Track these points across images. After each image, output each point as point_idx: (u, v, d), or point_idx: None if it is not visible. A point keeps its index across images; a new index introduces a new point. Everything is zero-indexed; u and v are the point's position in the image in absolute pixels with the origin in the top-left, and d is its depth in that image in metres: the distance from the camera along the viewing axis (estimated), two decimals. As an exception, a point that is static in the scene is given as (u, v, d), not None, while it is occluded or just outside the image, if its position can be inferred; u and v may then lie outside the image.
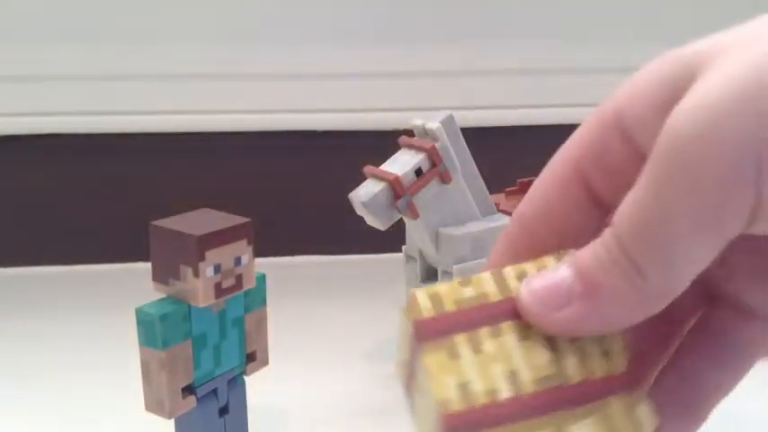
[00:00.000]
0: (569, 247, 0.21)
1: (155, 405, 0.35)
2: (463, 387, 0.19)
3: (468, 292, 0.21)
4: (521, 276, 0.21)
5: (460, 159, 0.46)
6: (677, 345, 0.23)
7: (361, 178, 0.45)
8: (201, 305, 0.34)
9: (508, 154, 0.66)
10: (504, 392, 0.19)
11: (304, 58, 0.68)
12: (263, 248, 0.41)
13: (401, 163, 0.45)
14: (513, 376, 0.20)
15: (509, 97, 0.71)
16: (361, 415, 0.45)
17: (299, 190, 0.72)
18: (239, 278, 0.35)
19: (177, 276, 0.34)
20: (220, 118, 0.69)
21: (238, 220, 0.35)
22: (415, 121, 0.47)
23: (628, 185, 0.19)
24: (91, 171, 0.69)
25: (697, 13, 0.71)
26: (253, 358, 0.39)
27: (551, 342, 0.20)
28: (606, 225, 0.20)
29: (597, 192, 0.21)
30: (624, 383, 0.20)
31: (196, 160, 0.70)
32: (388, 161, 0.45)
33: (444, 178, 0.45)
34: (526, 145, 0.71)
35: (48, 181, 0.69)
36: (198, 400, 0.36)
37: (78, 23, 0.65)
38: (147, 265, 0.35)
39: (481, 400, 0.19)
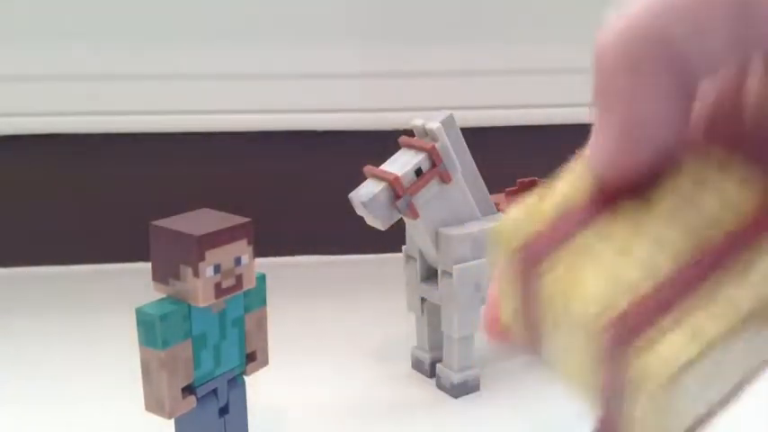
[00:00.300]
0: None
1: (155, 405, 0.35)
2: (614, 282, 0.16)
3: (557, 197, 0.18)
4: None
5: (460, 159, 0.46)
6: None
7: (361, 178, 0.45)
8: (201, 305, 0.34)
9: (508, 154, 0.66)
10: (663, 269, 0.16)
11: (304, 58, 0.68)
12: (263, 248, 0.41)
13: (401, 163, 0.45)
14: (662, 245, 0.16)
15: (509, 97, 0.71)
16: (362, 415, 0.45)
17: (299, 190, 0.72)
18: (239, 278, 0.35)
19: (177, 276, 0.34)
20: (220, 118, 0.69)
21: (238, 220, 0.35)
22: (415, 121, 0.47)
23: None
24: (91, 171, 0.69)
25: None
26: (253, 358, 0.39)
27: (681, 197, 0.17)
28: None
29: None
30: None
31: (196, 160, 0.70)
32: (388, 161, 0.45)
33: (444, 178, 0.45)
34: (526, 145, 0.71)
35: (48, 181, 0.69)
36: (198, 400, 0.36)
37: (78, 23, 0.65)
38: (147, 265, 0.35)
39: (642, 287, 0.16)
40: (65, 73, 0.66)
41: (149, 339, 0.34)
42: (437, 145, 0.45)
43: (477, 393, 0.47)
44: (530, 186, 0.52)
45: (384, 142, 0.50)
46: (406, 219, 0.46)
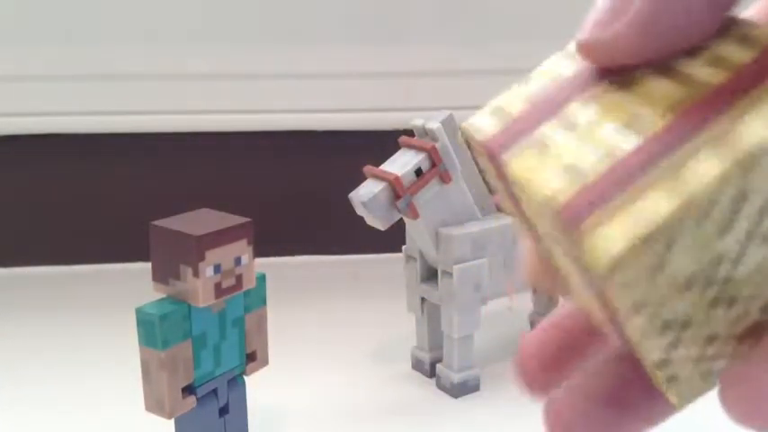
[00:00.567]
0: None
1: (155, 405, 0.35)
2: (570, 167, 0.15)
3: (534, 83, 0.17)
4: None
5: (460, 159, 0.46)
6: None
7: (361, 178, 0.45)
8: (201, 305, 0.34)
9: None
10: (627, 145, 0.14)
11: (304, 57, 0.68)
12: (263, 248, 0.41)
13: (401, 163, 0.45)
14: (631, 122, 0.15)
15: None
16: (362, 415, 0.45)
17: (299, 190, 0.72)
18: (239, 278, 0.35)
19: (177, 276, 0.34)
20: (221, 118, 0.69)
21: (238, 220, 0.35)
22: (415, 121, 0.47)
23: None
24: (91, 171, 0.69)
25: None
26: (253, 358, 0.39)
27: (664, 71, 0.15)
28: None
29: None
30: None
31: (196, 160, 0.70)
32: (388, 161, 0.45)
33: (444, 178, 0.45)
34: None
35: (48, 181, 0.69)
36: (198, 400, 0.36)
37: (78, 23, 0.65)
38: (147, 265, 0.35)
39: (599, 167, 0.14)
40: (65, 73, 0.66)
41: (149, 339, 0.34)
42: (437, 145, 0.45)
43: (477, 393, 0.48)
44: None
45: (384, 142, 0.50)
46: (406, 219, 0.46)
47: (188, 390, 0.35)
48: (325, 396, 0.47)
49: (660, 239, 0.13)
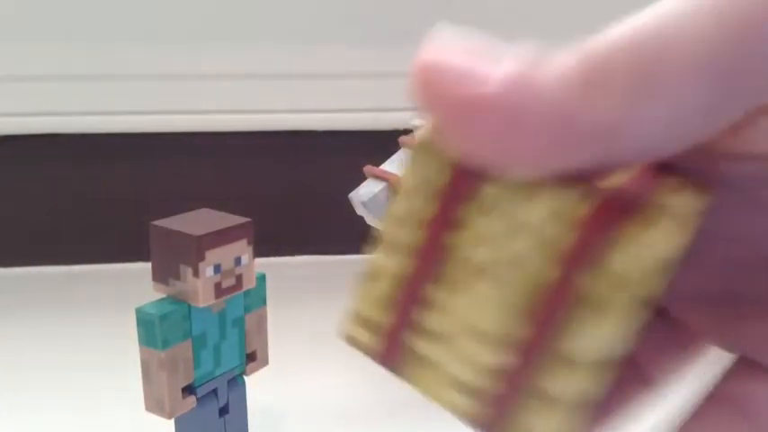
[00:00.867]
0: None
1: (155, 405, 0.35)
2: (459, 387, 0.16)
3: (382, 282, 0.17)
4: None
5: (460, 159, 0.46)
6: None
7: (361, 178, 0.45)
8: (201, 305, 0.34)
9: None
10: (492, 359, 0.15)
11: (304, 58, 0.68)
12: (263, 248, 0.41)
13: (401, 163, 0.45)
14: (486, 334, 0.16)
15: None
16: (361, 415, 0.45)
17: (299, 190, 0.72)
18: (239, 278, 0.35)
19: (177, 276, 0.34)
20: (220, 118, 0.69)
21: (238, 220, 0.35)
22: (415, 121, 0.47)
23: None
24: (91, 171, 0.69)
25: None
26: (253, 358, 0.39)
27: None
28: None
29: None
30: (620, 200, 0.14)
31: (196, 160, 0.70)
32: (388, 161, 0.45)
33: (444, 178, 0.45)
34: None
35: (48, 181, 0.69)
36: (198, 400, 0.36)
37: (78, 23, 0.65)
38: (147, 265, 0.35)
39: (483, 385, 0.16)
40: (65, 73, 0.66)
41: (149, 339, 0.34)
42: (437, 145, 0.45)
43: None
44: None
45: (384, 142, 0.50)
46: (406, 219, 0.46)
47: (188, 390, 0.35)
48: (326, 396, 0.47)
49: None
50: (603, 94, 0.13)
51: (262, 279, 0.39)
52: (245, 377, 0.39)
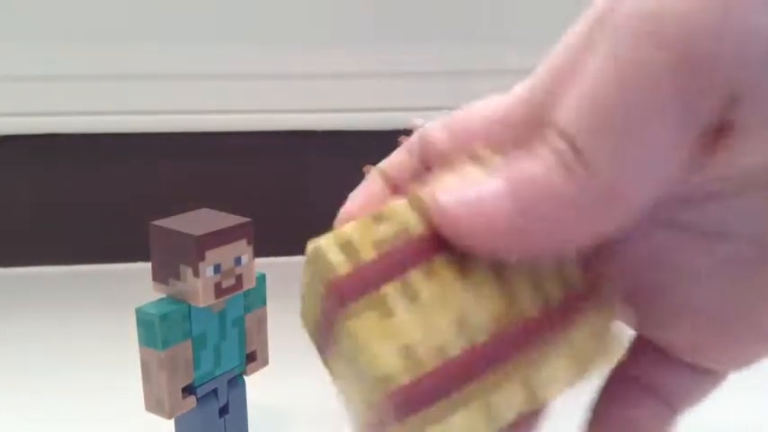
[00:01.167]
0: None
1: (155, 405, 0.35)
2: (406, 351, 0.16)
3: (385, 229, 0.17)
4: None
5: (460, 159, 0.46)
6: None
7: (361, 178, 0.45)
8: (201, 305, 0.34)
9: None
10: (456, 347, 0.16)
11: (304, 58, 0.68)
12: (263, 248, 0.41)
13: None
14: (461, 324, 0.16)
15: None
16: (361, 415, 0.45)
17: (299, 190, 0.72)
18: (239, 278, 0.35)
19: (177, 276, 0.34)
20: (220, 118, 0.69)
21: (238, 220, 0.35)
22: (415, 121, 0.47)
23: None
24: (91, 171, 0.69)
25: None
26: (253, 358, 0.39)
27: (496, 273, 0.17)
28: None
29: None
30: (584, 302, 0.17)
31: (196, 160, 0.70)
32: (387, 161, 0.45)
33: (444, 178, 0.45)
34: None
35: (48, 181, 0.69)
36: (198, 400, 0.36)
37: (78, 23, 0.65)
38: (147, 265, 0.35)
39: (431, 362, 0.16)
40: (65, 73, 0.66)
41: (149, 339, 0.34)
42: (437, 145, 0.45)
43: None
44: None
45: (384, 142, 0.50)
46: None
47: (188, 390, 0.35)
48: (325, 396, 0.47)
49: None
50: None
51: (262, 279, 0.39)
52: (245, 377, 0.39)
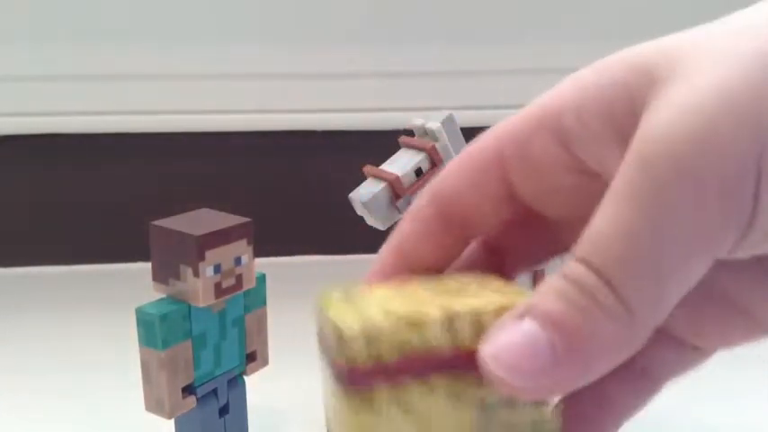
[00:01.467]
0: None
1: (155, 405, 0.35)
2: None
3: (414, 338, 0.17)
4: (476, 323, 0.17)
5: (460, 159, 0.46)
6: None
7: (361, 178, 0.45)
8: (201, 305, 0.34)
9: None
10: None
11: (304, 58, 0.68)
12: (263, 248, 0.41)
13: (401, 163, 0.45)
14: None
15: (509, 97, 0.71)
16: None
17: (299, 190, 0.72)
18: (239, 278, 0.35)
19: (177, 276, 0.34)
20: (220, 118, 0.69)
21: (238, 220, 0.35)
22: (415, 121, 0.47)
23: (553, 188, 0.18)
24: (91, 171, 0.69)
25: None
26: (253, 358, 0.39)
27: (483, 403, 0.18)
28: (517, 219, 0.19)
29: (515, 185, 0.20)
30: None
31: (196, 160, 0.70)
32: (387, 161, 0.45)
33: (444, 178, 0.45)
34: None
35: (48, 181, 0.69)
36: (198, 400, 0.36)
37: (78, 23, 0.65)
38: (147, 265, 0.35)
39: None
40: (65, 73, 0.66)
41: (149, 339, 0.34)
42: (437, 145, 0.45)
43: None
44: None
45: (384, 142, 0.50)
46: (406, 219, 0.46)
47: (188, 390, 0.35)
48: (325, 396, 0.47)
49: None
50: None
51: (262, 279, 0.39)
52: (245, 377, 0.39)
